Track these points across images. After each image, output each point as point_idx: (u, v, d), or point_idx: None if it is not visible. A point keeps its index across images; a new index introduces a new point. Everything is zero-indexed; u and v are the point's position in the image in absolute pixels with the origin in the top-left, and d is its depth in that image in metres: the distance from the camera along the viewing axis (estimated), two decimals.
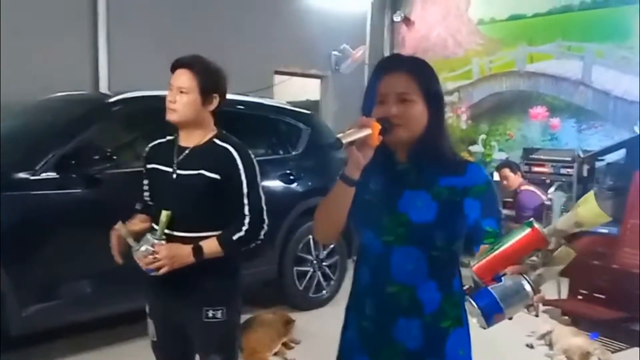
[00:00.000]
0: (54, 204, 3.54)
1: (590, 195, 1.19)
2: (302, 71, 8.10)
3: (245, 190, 2.17)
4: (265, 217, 2.21)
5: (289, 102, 5.74)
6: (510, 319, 1.27)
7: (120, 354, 3.93)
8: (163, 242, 2.14)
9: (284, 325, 4.06)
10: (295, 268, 4.89)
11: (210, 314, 2.20)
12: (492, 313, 1.24)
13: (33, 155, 3.53)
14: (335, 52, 8.18)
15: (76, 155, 3.57)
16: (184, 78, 2.16)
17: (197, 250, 2.13)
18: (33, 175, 3.45)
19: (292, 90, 8.04)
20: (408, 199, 1.55)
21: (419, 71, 1.59)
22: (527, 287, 1.21)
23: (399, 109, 1.53)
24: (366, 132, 1.46)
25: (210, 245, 2.15)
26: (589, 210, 1.19)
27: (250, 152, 2.24)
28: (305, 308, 4.93)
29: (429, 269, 1.55)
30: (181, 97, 2.16)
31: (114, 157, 3.66)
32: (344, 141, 1.43)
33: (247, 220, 2.16)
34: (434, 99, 1.58)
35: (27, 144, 3.65)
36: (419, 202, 1.53)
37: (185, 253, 2.12)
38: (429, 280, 1.54)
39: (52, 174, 3.52)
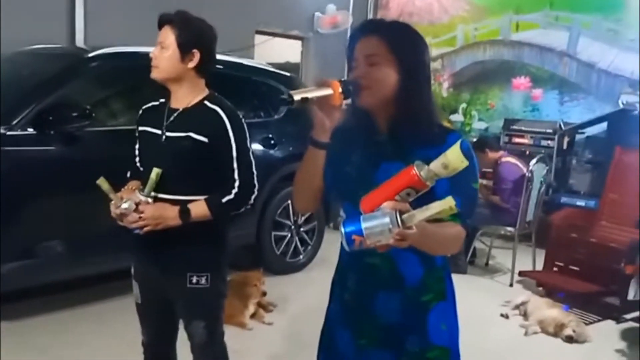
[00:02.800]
0: (32, 160, 3.55)
1: (457, 143, 1.35)
2: (284, 32, 8.08)
3: (234, 153, 2.18)
4: (255, 181, 2.24)
5: (269, 63, 5.74)
6: (379, 249, 1.32)
7: (99, 312, 3.99)
8: (150, 199, 2.16)
9: (254, 285, 4.10)
10: (273, 233, 4.99)
11: (194, 279, 2.22)
12: (351, 234, 1.31)
13: (9, 110, 3.52)
14: (318, 13, 8.17)
15: (54, 112, 3.56)
16: (165, 33, 2.18)
17: (184, 212, 2.14)
18: (10, 130, 3.45)
19: (272, 51, 8.02)
20: (384, 171, 1.52)
21: (391, 34, 1.57)
22: (392, 219, 1.26)
23: (365, 71, 1.54)
24: (325, 91, 1.46)
25: (198, 208, 2.16)
26: (454, 154, 1.32)
27: (240, 115, 2.25)
28: (281, 272, 5.05)
29: None
30: (161, 52, 2.17)
31: (93, 115, 3.67)
32: (295, 97, 1.42)
33: (237, 184, 2.19)
34: (406, 62, 1.55)
35: (3, 98, 3.61)
36: (395, 173, 1.49)
37: (171, 215, 2.13)
38: (410, 254, 1.50)
39: (30, 130, 3.52)
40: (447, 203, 1.28)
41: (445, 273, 1.67)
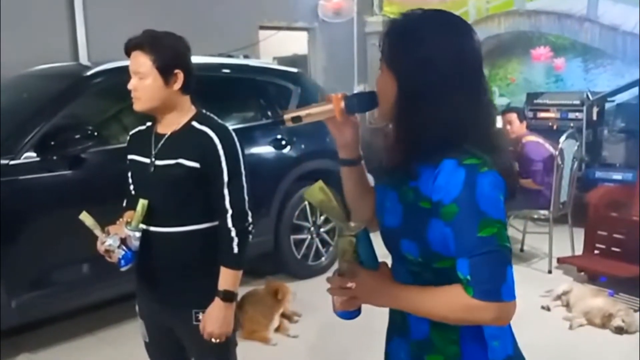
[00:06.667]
0: (39, 187, 3.58)
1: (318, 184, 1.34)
2: (288, 24, 8.03)
3: (225, 179, 2.09)
4: (247, 208, 2.13)
5: (276, 58, 5.73)
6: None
7: (115, 336, 4.01)
8: (138, 233, 2.09)
9: (277, 297, 4.05)
10: (292, 236, 4.98)
11: (200, 316, 2.14)
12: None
13: (11, 138, 3.55)
14: (322, 2, 8.13)
15: (56, 136, 3.59)
16: (138, 61, 2.05)
17: (228, 295, 2.11)
18: (13, 159, 3.48)
19: (278, 45, 8.01)
20: (382, 198, 1.43)
21: (389, 29, 1.35)
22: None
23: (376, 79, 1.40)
24: (323, 107, 1.41)
25: (229, 280, 2.11)
26: (310, 189, 1.34)
27: (234, 135, 2.15)
28: (304, 277, 5.03)
29: None
30: (140, 82, 2.04)
31: (96, 134, 3.70)
32: (285, 117, 1.40)
33: (230, 223, 2.10)
34: (401, 65, 1.32)
35: (3, 126, 3.64)
36: (388, 202, 1.40)
37: (221, 314, 2.12)
38: None
39: (33, 157, 3.55)
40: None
41: (462, 336, 1.37)
